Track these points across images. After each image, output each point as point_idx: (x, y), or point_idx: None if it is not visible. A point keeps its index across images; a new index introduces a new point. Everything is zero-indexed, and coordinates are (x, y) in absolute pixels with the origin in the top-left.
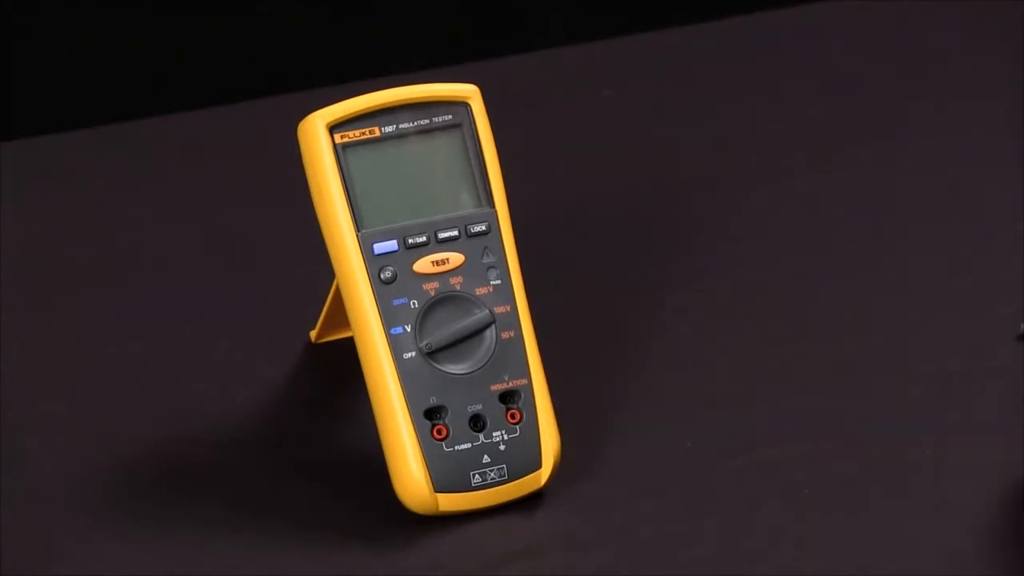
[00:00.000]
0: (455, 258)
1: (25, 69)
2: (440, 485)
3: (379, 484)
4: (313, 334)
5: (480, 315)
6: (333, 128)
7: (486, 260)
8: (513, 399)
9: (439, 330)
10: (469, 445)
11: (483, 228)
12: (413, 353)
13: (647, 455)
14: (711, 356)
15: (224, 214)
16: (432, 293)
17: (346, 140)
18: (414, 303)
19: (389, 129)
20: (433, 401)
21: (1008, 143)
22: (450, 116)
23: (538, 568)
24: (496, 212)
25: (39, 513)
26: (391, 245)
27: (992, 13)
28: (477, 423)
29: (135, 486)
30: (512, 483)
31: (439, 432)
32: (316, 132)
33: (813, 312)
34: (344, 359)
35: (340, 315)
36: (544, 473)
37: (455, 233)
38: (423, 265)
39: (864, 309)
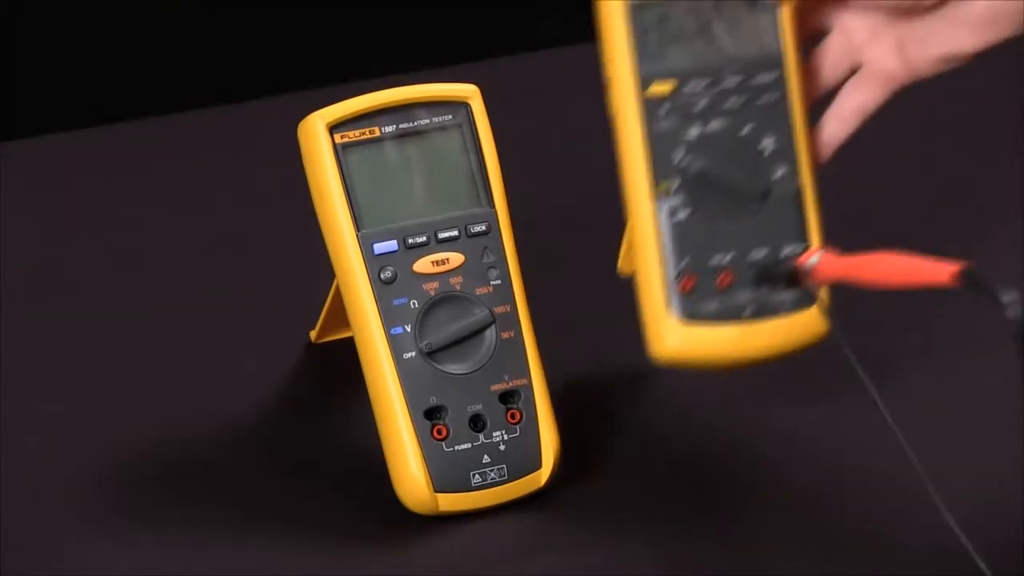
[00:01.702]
0: (455, 258)
1: (25, 69)
2: (440, 485)
3: (379, 484)
4: (313, 334)
5: (480, 315)
6: (333, 128)
7: (486, 260)
8: (513, 399)
9: (439, 330)
10: (469, 445)
11: (483, 228)
12: (413, 353)
13: (647, 455)
14: None
15: (224, 214)
16: (432, 293)
17: (346, 140)
18: (414, 303)
19: (389, 129)
20: (433, 401)
21: (1008, 142)
22: (450, 116)
23: (538, 568)
24: (496, 212)
25: (39, 513)
26: (391, 245)
27: None
28: (477, 423)
29: (135, 486)
30: (512, 483)
31: (439, 432)
32: (316, 132)
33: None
34: (344, 359)
35: (340, 315)
36: (544, 473)
37: (455, 233)
38: (423, 265)
39: (864, 308)
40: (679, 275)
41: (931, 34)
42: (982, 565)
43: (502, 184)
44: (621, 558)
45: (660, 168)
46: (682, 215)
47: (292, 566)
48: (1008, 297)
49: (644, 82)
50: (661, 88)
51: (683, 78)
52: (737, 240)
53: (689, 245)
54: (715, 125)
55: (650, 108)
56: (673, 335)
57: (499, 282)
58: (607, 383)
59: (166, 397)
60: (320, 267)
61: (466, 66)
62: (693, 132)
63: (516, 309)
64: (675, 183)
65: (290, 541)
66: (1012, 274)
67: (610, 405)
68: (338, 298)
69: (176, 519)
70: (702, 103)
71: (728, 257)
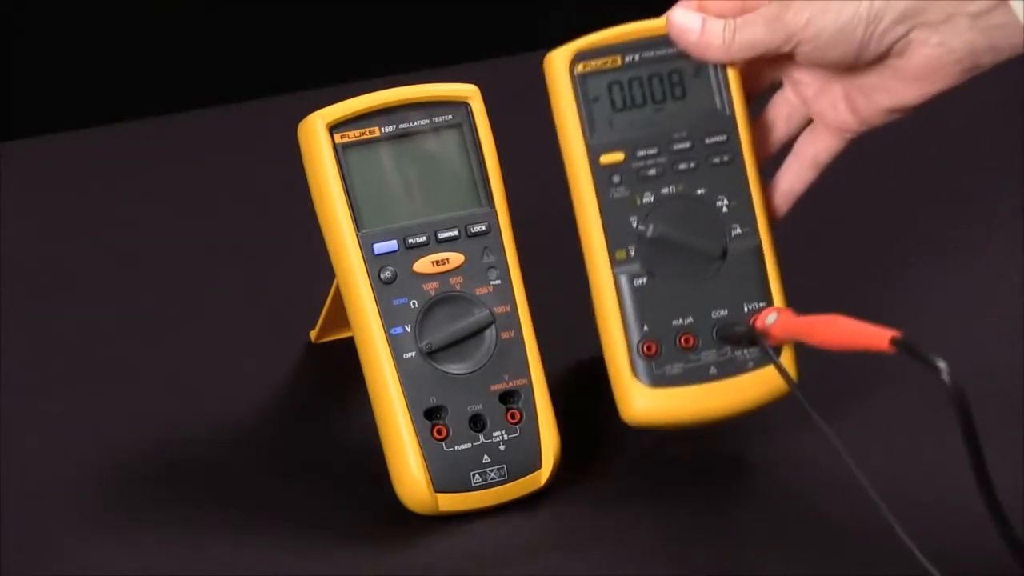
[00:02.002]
0: (455, 258)
1: (25, 69)
2: (440, 485)
3: (379, 484)
4: (313, 334)
5: (480, 315)
6: (333, 128)
7: (486, 260)
8: (513, 399)
9: (439, 330)
10: (469, 445)
11: (483, 228)
12: (413, 353)
13: (647, 455)
14: None
15: (224, 214)
16: (432, 293)
17: (346, 140)
18: (414, 303)
19: (389, 129)
20: (433, 401)
21: (1008, 143)
22: (450, 116)
23: (538, 568)
24: (496, 212)
25: (39, 513)
26: (391, 245)
27: None
28: (477, 423)
29: (135, 486)
30: (512, 483)
31: (439, 432)
32: (316, 132)
33: (811, 311)
34: (344, 359)
35: (340, 315)
36: (544, 473)
37: (455, 233)
38: (423, 265)
39: (863, 308)
40: (641, 340)
41: (874, 88)
42: (930, 567)
43: (502, 184)
44: (621, 558)
45: (616, 235)
46: (641, 280)
47: (292, 566)
48: (942, 363)
49: (595, 152)
50: (612, 157)
51: (633, 146)
52: (698, 301)
53: (649, 310)
54: (669, 189)
55: (603, 177)
56: (641, 400)
57: (499, 282)
58: (607, 383)
59: (166, 397)
60: (320, 267)
61: (466, 66)
62: (648, 197)
63: (516, 309)
64: (632, 249)
65: (290, 541)
66: (1011, 274)
67: (610, 405)
68: (338, 298)
69: (176, 519)
70: (654, 169)
71: (689, 319)
